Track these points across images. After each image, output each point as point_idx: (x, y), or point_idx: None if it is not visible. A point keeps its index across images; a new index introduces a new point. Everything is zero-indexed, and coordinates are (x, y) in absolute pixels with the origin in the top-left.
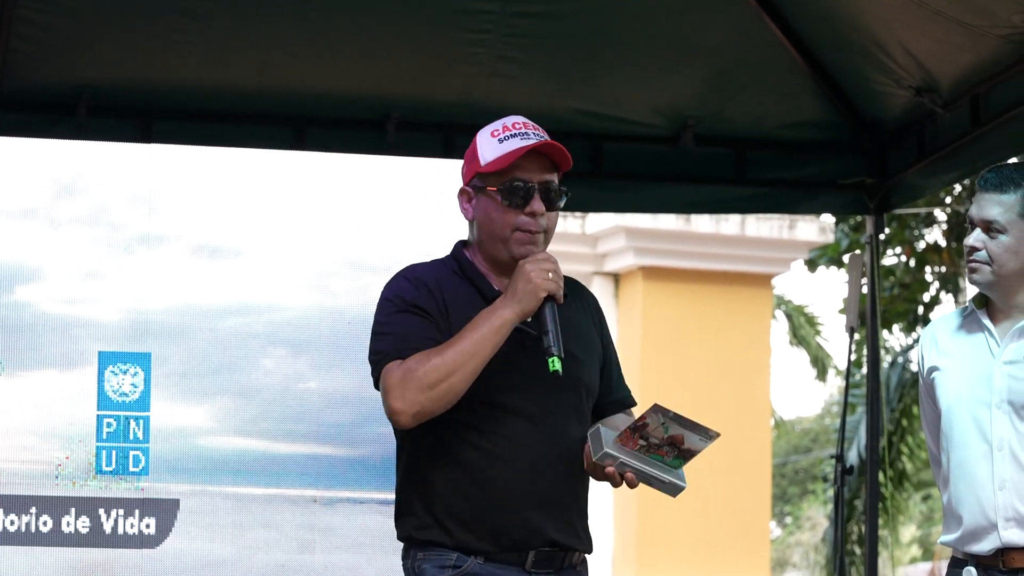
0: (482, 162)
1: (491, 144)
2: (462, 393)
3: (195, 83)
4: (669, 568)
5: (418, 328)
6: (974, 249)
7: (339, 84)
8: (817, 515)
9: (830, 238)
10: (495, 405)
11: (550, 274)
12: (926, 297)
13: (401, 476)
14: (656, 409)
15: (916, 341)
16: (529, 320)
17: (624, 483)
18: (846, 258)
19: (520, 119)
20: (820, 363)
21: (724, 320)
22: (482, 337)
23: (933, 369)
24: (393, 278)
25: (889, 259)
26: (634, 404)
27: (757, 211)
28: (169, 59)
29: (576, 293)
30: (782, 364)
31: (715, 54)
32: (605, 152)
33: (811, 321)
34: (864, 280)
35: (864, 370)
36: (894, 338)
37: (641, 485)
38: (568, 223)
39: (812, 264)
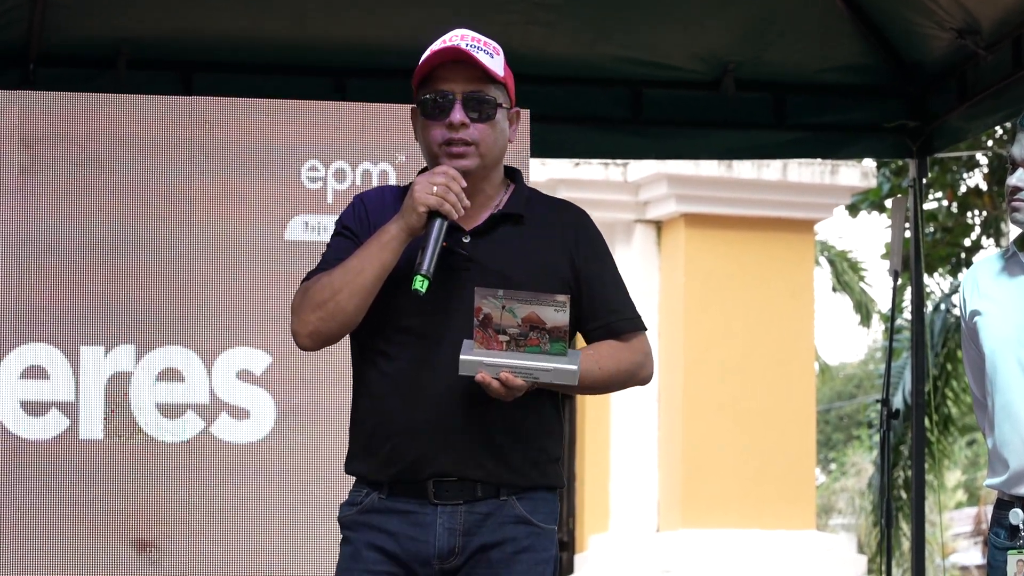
0: (416, 78)
1: (423, 58)
2: (354, 312)
3: (235, 35)
4: (714, 515)
5: (339, 251)
6: (1016, 189)
7: (378, 34)
8: (862, 461)
9: (872, 183)
10: (403, 330)
11: (435, 188)
12: (968, 241)
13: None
14: (482, 294)
15: (960, 285)
16: (464, 241)
17: (505, 385)
18: (888, 203)
19: (462, 31)
20: (864, 308)
21: (767, 266)
22: (367, 253)
23: (975, 313)
24: None
25: (931, 203)
26: (629, 331)
27: (799, 156)
28: (208, 11)
29: (548, 211)
30: (825, 310)
31: None
32: (645, 99)
33: (854, 266)
34: (907, 224)
35: (908, 315)
36: (936, 283)
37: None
38: (610, 171)
39: (854, 209)
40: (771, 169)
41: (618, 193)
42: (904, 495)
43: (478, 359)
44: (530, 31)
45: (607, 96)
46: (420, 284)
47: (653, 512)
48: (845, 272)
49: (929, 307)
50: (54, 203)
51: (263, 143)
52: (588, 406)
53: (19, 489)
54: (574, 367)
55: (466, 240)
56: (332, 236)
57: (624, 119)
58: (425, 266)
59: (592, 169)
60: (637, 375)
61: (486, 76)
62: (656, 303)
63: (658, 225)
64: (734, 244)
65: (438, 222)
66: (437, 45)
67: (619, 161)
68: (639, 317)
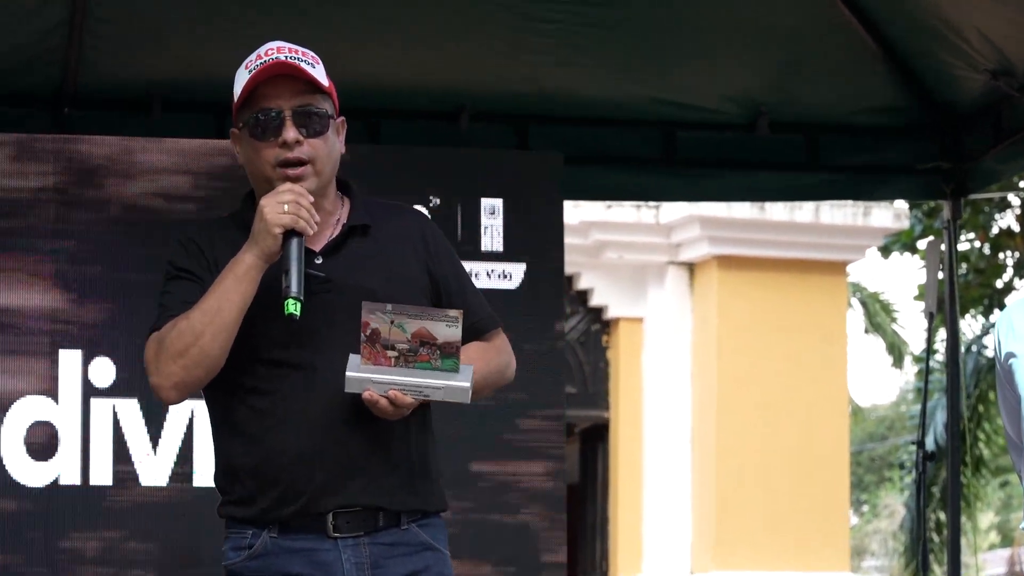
0: (235, 99)
1: (242, 76)
2: (219, 354)
3: None
4: (748, 557)
5: (181, 294)
6: None
7: (411, 77)
8: (894, 503)
9: (905, 224)
10: (273, 362)
11: (286, 206)
12: (1000, 282)
13: (214, 452)
14: (370, 308)
15: (993, 327)
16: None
17: (394, 403)
18: (921, 244)
19: (277, 43)
20: (896, 350)
21: (800, 308)
22: (224, 289)
23: (1011, 355)
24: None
25: (963, 244)
26: (491, 329)
27: (832, 198)
28: (242, 54)
29: (390, 218)
30: (857, 351)
31: (787, 39)
32: (678, 140)
33: (886, 308)
34: (941, 265)
35: (940, 356)
36: (968, 324)
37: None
38: (642, 213)
39: (886, 250)
40: (803, 211)
41: (650, 235)
42: (936, 537)
43: (366, 376)
44: (562, 73)
45: (639, 138)
46: (294, 307)
47: (687, 554)
48: (877, 313)
49: (961, 348)
50: (87, 244)
51: None
52: (621, 447)
53: None
54: (466, 384)
55: (319, 261)
56: (166, 281)
57: (656, 161)
58: (294, 287)
59: (624, 211)
60: (505, 374)
61: (312, 88)
62: (689, 345)
63: (691, 267)
64: (767, 286)
65: (295, 241)
66: (254, 62)
67: (651, 203)
68: (495, 314)
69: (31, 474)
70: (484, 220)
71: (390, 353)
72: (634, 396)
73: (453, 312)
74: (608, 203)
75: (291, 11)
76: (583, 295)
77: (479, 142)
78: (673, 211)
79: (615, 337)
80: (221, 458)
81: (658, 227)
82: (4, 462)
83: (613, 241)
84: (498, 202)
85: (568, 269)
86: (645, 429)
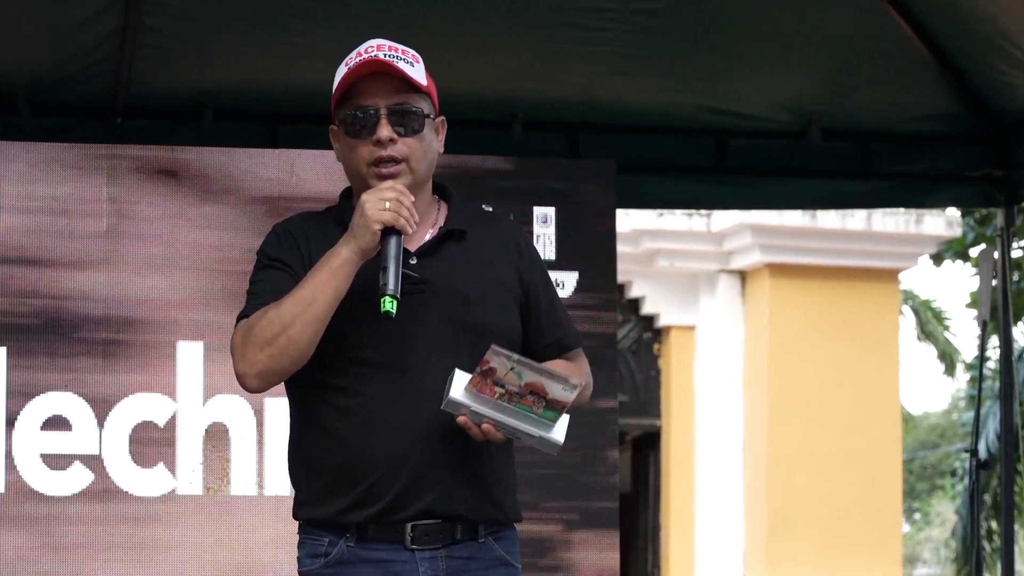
0: (334, 94)
1: (341, 73)
2: (307, 345)
3: (320, 87)
4: (800, 565)
5: (274, 283)
6: None
7: (463, 86)
8: (946, 511)
9: (957, 232)
10: (361, 362)
11: (387, 204)
12: None
13: (288, 451)
14: (496, 352)
15: None
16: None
17: (484, 435)
18: (973, 251)
19: (377, 41)
20: (948, 358)
21: (852, 316)
22: (318, 281)
23: None
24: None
25: (1015, 252)
26: (574, 347)
27: (884, 205)
28: (294, 63)
29: (486, 225)
30: (909, 359)
31: (838, 46)
32: (729, 148)
33: (938, 316)
34: (994, 273)
35: (992, 364)
36: (1020, 332)
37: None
38: (693, 221)
39: (938, 258)
40: (855, 219)
41: (702, 243)
42: (988, 545)
43: (467, 403)
44: (613, 81)
45: (691, 146)
46: (390, 305)
47: (739, 561)
48: (929, 321)
49: (1014, 356)
50: (140, 255)
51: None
52: (673, 455)
53: None
54: (559, 440)
55: (413, 261)
56: (258, 270)
57: (708, 169)
58: (391, 285)
59: (676, 219)
60: (584, 395)
61: (409, 86)
62: (740, 353)
63: (742, 275)
64: (818, 294)
65: (394, 239)
66: (353, 59)
67: (703, 211)
68: (579, 333)
69: (136, 481)
70: (536, 229)
71: (496, 388)
72: (686, 404)
73: (575, 380)
74: (660, 211)
75: (342, 22)
76: (635, 303)
77: (531, 151)
78: (725, 219)
79: (667, 345)
80: (301, 455)
81: (710, 235)
82: (107, 468)
83: (665, 249)
84: (550, 211)
85: (620, 277)
86: (697, 437)
